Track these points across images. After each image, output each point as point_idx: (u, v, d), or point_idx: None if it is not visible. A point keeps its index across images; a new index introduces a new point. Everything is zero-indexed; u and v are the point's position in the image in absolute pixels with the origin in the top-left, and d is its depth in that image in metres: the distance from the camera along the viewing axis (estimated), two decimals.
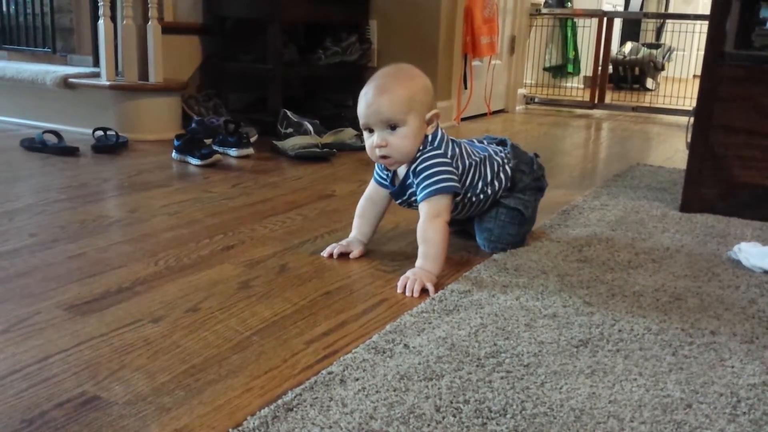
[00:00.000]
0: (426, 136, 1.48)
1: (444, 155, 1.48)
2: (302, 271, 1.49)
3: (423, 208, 1.47)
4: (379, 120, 1.44)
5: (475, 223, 1.67)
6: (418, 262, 1.45)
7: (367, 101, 1.44)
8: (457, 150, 1.53)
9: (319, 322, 1.23)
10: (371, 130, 1.47)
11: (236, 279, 1.43)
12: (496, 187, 1.60)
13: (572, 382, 1.04)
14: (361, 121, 1.47)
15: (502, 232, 1.63)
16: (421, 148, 1.48)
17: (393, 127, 1.44)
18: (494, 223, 1.63)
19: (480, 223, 1.66)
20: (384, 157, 1.47)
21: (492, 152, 1.62)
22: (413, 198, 1.52)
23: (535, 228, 1.83)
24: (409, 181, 1.51)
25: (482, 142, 1.67)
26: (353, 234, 1.62)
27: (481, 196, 1.58)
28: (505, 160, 1.62)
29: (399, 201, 1.58)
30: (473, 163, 1.55)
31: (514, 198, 1.63)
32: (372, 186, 1.62)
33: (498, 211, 1.63)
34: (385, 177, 1.58)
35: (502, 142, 1.69)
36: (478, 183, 1.57)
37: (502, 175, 1.61)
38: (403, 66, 1.50)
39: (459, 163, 1.52)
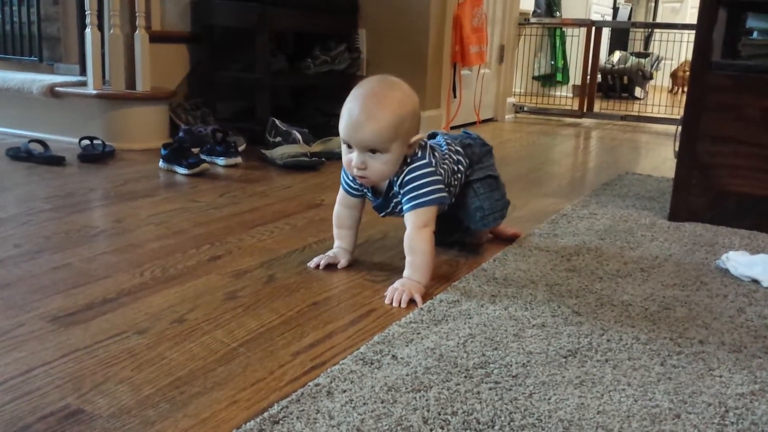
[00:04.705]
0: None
1: (429, 164, 1.48)
2: (290, 282, 1.48)
3: (410, 218, 1.46)
4: (361, 146, 1.41)
5: (461, 214, 1.67)
6: (406, 273, 1.44)
7: (350, 123, 1.40)
8: (437, 155, 1.53)
9: (307, 334, 1.22)
10: (351, 146, 1.44)
11: (223, 290, 1.42)
12: (463, 168, 1.63)
13: (561, 393, 1.03)
14: (342, 137, 1.43)
15: (490, 201, 1.66)
16: (408, 161, 1.47)
17: (374, 151, 1.42)
18: (479, 200, 1.65)
19: (466, 209, 1.66)
20: (362, 176, 1.46)
21: (444, 143, 1.63)
22: (399, 208, 1.51)
23: (523, 236, 1.83)
24: (393, 192, 1.50)
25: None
26: (337, 245, 1.60)
27: (455, 183, 1.61)
28: (452, 143, 1.64)
29: (383, 213, 1.57)
30: (447, 162, 1.57)
31: (479, 170, 1.67)
32: (342, 194, 1.59)
33: (474, 188, 1.66)
34: (358, 187, 1.56)
35: (432, 135, 1.69)
36: (452, 177, 1.59)
37: (460, 157, 1.63)
38: (393, 83, 1.45)
39: (441, 169, 1.52)
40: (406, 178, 1.46)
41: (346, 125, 1.41)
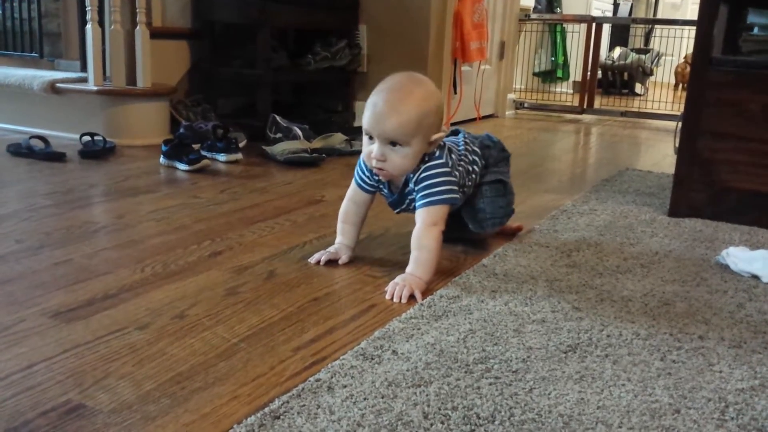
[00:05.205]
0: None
1: (446, 164, 1.49)
2: (291, 277, 1.48)
3: (420, 215, 1.47)
4: (383, 137, 1.42)
5: (464, 212, 1.67)
6: (409, 268, 1.44)
7: (374, 114, 1.41)
8: (454, 157, 1.54)
9: (307, 329, 1.23)
10: (372, 137, 1.45)
11: (224, 285, 1.42)
12: (477, 169, 1.63)
13: (561, 388, 1.04)
14: (365, 128, 1.44)
15: (493, 207, 1.67)
16: (426, 159, 1.47)
17: (395, 144, 1.43)
18: (484, 202, 1.66)
19: (470, 207, 1.67)
20: (380, 168, 1.46)
21: (463, 142, 1.63)
22: (413, 205, 1.51)
23: (524, 232, 1.83)
24: (409, 188, 1.50)
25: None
26: (339, 240, 1.60)
27: (470, 183, 1.62)
28: (471, 143, 1.65)
29: (398, 210, 1.58)
30: (463, 163, 1.57)
31: (491, 173, 1.68)
32: (354, 189, 1.60)
33: (482, 190, 1.66)
34: (374, 183, 1.57)
35: (455, 132, 1.70)
36: (467, 177, 1.60)
37: (476, 158, 1.64)
38: (418, 79, 1.46)
39: (456, 171, 1.52)
40: (422, 175, 1.47)
41: (370, 117, 1.42)
